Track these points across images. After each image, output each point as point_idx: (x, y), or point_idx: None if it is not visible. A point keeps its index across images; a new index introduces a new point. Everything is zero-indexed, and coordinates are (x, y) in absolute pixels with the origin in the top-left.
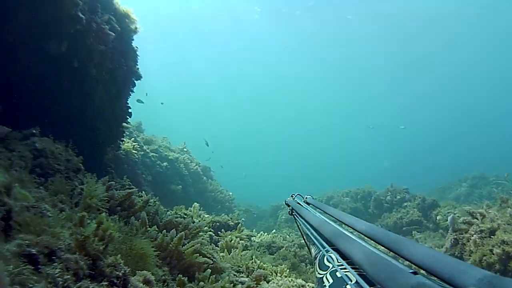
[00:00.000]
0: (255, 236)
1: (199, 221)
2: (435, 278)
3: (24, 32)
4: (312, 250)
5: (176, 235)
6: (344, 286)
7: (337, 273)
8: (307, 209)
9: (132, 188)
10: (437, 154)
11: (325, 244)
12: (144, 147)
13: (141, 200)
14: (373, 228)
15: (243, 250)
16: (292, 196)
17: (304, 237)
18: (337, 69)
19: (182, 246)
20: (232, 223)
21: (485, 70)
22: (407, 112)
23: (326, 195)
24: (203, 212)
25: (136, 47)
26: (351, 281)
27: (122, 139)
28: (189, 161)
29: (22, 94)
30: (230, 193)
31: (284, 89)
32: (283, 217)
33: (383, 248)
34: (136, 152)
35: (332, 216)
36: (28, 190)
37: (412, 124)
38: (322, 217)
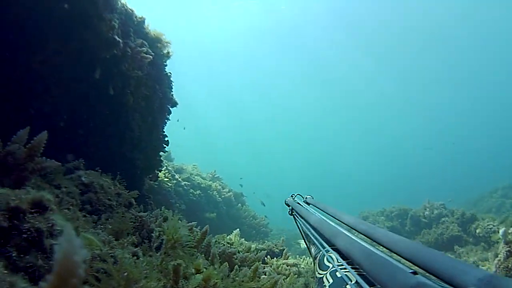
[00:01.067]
0: (301, 263)
1: (243, 249)
2: (435, 278)
3: (55, 61)
4: (312, 250)
5: (250, 270)
6: (344, 286)
7: (337, 273)
8: (307, 209)
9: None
10: (465, 165)
11: (325, 244)
12: (176, 176)
13: (199, 231)
14: (373, 228)
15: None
16: (292, 196)
17: (304, 237)
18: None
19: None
20: (277, 250)
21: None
22: (433, 123)
23: (362, 215)
24: (242, 239)
25: (170, 72)
26: (351, 281)
27: (159, 169)
28: (221, 187)
29: (55, 126)
30: (265, 217)
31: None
32: None
33: (383, 248)
34: (168, 181)
35: (332, 216)
36: (87, 232)
37: (439, 136)
38: (322, 217)
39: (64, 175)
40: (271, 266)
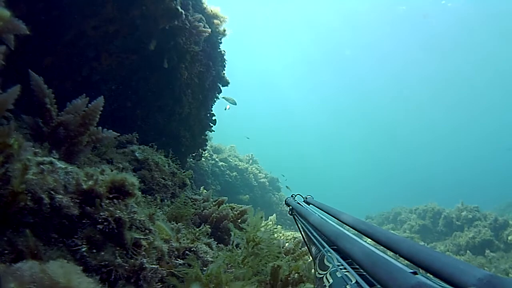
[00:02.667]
0: None
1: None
2: (435, 278)
3: (110, 27)
4: (312, 250)
5: None
6: (344, 286)
7: (337, 273)
8: (307, 209)
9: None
10: (495, 172)
11: (325, 244)
12: (214, 156)
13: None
14: (373, 228)
15: None
16: (292, 196)
17: (304, 237)
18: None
19: None
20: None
21: None
22: (468, 127)
23: (394, 211)
24: (279, 227)
25: (224, 51)
26: (351, 281)
27: (204, 148)
28: (257, 171)
29: (103, 96)
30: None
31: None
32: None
33: (383, 247)
34: (205, 160)
35: (332, 216)
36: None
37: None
38: (323, 217)
39: (116, 148)
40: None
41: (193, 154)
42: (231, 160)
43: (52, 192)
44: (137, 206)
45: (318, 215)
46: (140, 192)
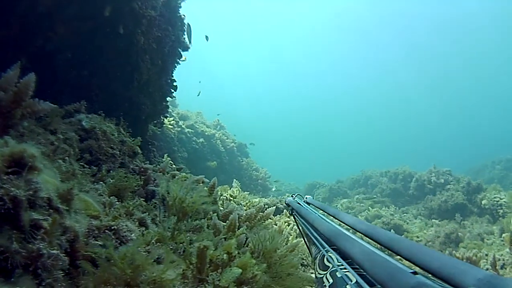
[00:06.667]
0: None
1: (247, 203)
2: (435, 278)
3: None
4: (312, 250)
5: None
6: (344, 286)
7: (337, 273)
8: (307, 209)
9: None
10: (467, 135)
11: (325, 244)
12: (180, 123)
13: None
14: (373, 228)
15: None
16: (292, 196)
17: (304, 237)
18: None
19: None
20: (281, 205)
21: None
22: (439, 91)
23: (364, 175)
24: (246, 193)
25: (184, 15)
26: (351, 281)
27: (165, 114)
28: (225, 137)
29: (58, 66)
30: (266, 170)
31: None
32: (320, 196)
33: (383, 247)
34: (172, 127)
35: (332, 216)
36: (85, 190)
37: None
38: (322, 217)
39: (63, 118)
40: (275, 224)
41: (155, 122)
42: (197, 127)
43: None
44: (41, 182)
45: (318, 215)
46: (41, 164)
